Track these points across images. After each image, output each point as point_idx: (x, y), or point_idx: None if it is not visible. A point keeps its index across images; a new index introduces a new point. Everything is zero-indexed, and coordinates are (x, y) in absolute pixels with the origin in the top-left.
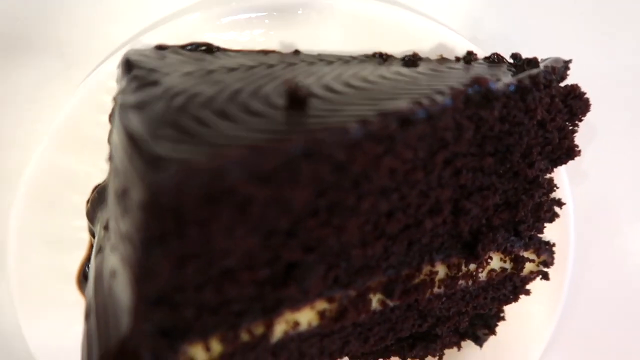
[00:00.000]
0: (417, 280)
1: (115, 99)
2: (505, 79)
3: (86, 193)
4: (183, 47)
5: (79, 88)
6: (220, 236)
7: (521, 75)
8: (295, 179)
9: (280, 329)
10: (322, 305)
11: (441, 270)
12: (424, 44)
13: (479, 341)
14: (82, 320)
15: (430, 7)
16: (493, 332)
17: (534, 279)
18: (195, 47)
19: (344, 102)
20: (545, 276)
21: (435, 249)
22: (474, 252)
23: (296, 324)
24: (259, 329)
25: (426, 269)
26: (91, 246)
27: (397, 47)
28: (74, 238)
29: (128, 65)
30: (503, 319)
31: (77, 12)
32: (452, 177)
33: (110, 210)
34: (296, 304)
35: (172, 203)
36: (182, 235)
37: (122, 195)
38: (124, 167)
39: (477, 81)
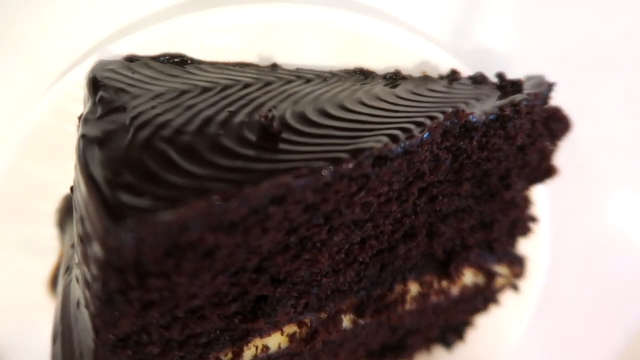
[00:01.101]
0: (389, 299)
1: (79, 121)
2: (488, 102)
3: (55, 200)
4: (155, 58)
5: (45, 96)
6: (185, 283)
7: (503, 103)
8: (264, 224)
9: (249, 353)
10: (292, 328)
11: (413, 288)
12: (407, 60)
13: (448, 344)
14: (50, 322)
15: (414, 17)
16: (462, 339)
17: (504, 290)
18: (168, 59)
19: (318, 136)
20: (516, 288)
21: (408, 269)
22: (447, 270)
23: (265, 347)
24: (227, 357)
25: (398, 288)
26: (62, 254)
27: (380, 62)
28: (43, 245)
29: (94, 84)
30: (472, 325)
31: (43, 11)
32: (428, 204)
33: (75, 241)
34: (265, 332)
35: (132, 260)
36: (144, 288)
37: (83, 239)
38: (84, 209)
39: (456, 114)
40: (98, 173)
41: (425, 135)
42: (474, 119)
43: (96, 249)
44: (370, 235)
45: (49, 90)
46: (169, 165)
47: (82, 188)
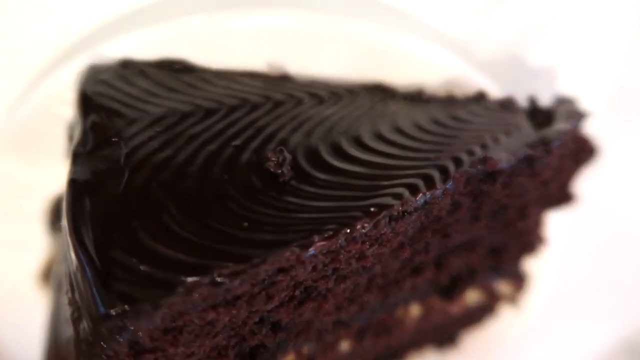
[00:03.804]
0: (389, 323)
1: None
2: (518, 137)
3: (41, 200)
4: (153, 64)
5: (30, 96)
6: (182, 351)
7: (532, 141)
8: (269, 291)
9: None
10: (289, 357)
11: (415, 310)
12: (432, 75)
13: (440, 346)
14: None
15: (440, 24)
16: (455, 343)
17: (503, 304)
18: (167, 66)
19: (331, 186)
20: (516, 303)
21: (411, 295)
22: (451, 294)
23: None
24: None
25: (400, 312)
26: (53, 254)
27: (401, 77)
28: (31, 242)
29: (85, 103)
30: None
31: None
32: (440, 241)
33: (66, 292)
34: None
35: (126, 344)
36: None
37: (73, 306)
38: (73, 275)
39: (484, 162)
40: (88, 237)
41: (448, 185)
42: (502, 165)
43: (87, 329)
44: (377, 274)
45: (34, 91)
46: (167, 230)
47: (72, 251)
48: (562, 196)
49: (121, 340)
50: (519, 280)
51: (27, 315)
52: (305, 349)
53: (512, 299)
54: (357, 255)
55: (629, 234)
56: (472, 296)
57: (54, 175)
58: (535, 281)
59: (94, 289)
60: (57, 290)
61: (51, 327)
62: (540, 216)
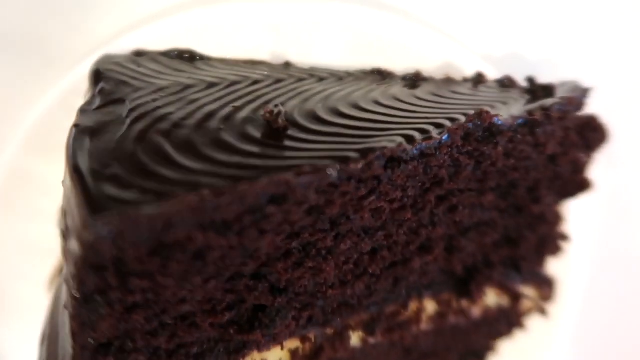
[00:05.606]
0: (402, 317)
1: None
2: (516, 106)
3: (57, 199)
4: (164, 53)
5: (52, 90)
6: (172, 286)
7: (532, 107)
8: (261, 225)
9: None
10: (294, 343)
11: (430, 306)
12: (430, 61)
13: None
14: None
15: (442, 21)
16: None
17: (531, 314)
18: (177, 55)
19: (327, 134)
20: (544, 312)
21: (424, 285)
22: (468, 289)
23: None
24: None
25: (413, 305)
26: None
27: (400, 63)
28: (45, 245)
29: (96, 76)
30: (495, 351)
31: (57, 5)
32: (447, 214)
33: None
34: (264, 346)
35: (111, 258)
36: (126, 288)
37: (65, 234)
38: (67, 201)
39: (480, 115)
40: (84, 164)
41: (444, 137)
42: (499, 122)
43: (74, 244)
44: (382, 245)
45: (54, 86)
46: (162, 159)
47: (68, 180)
48: (575, 182)
49: (106, 243)
50: (544, 285)
51: (36, 324)
52: (311, 335)
53: (539, 307)
54: (354, 205)
55: None
56: (494, 299)
57: None
58: (564, 290)
59: (83, 200)
60: (60, 274)
61: (51, 314)
62: (557, 207)
